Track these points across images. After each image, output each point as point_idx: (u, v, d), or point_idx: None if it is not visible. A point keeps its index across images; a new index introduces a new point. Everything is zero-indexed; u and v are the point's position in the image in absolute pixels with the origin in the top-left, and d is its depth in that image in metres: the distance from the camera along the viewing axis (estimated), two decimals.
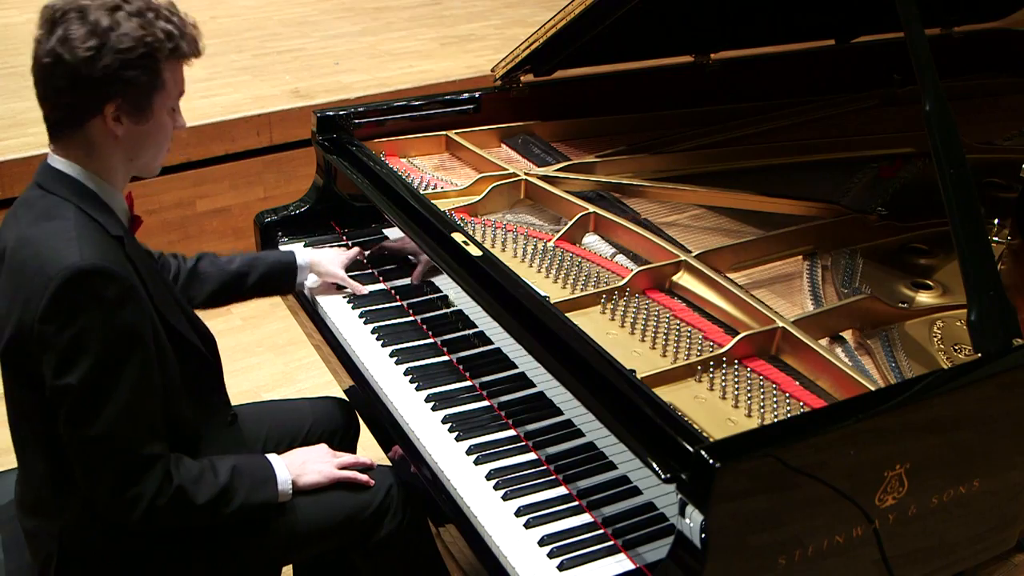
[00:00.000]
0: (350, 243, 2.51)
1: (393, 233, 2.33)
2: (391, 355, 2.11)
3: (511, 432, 1.87)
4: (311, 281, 2.33)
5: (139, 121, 1.61)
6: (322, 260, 2.29)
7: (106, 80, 1.54)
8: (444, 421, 1.90)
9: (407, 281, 2.28)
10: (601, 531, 1.64)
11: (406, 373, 2.04)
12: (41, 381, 1.56)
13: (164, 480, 1.62)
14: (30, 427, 1.66)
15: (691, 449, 1.40)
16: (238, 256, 2.21)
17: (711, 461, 1.35)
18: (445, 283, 2.09)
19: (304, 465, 1.83)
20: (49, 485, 1.68)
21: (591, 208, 2.26)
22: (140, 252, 1.70)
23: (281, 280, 2.26)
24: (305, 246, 2.51)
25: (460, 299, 2.03)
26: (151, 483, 1.60)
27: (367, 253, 2.40)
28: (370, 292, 2.32)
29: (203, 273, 2.13)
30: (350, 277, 2.32)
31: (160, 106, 1.62)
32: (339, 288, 2.33)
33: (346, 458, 1.90)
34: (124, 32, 1.53)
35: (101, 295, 1.52)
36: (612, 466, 1.64)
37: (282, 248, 2.51)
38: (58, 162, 1.63)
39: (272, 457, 1.82)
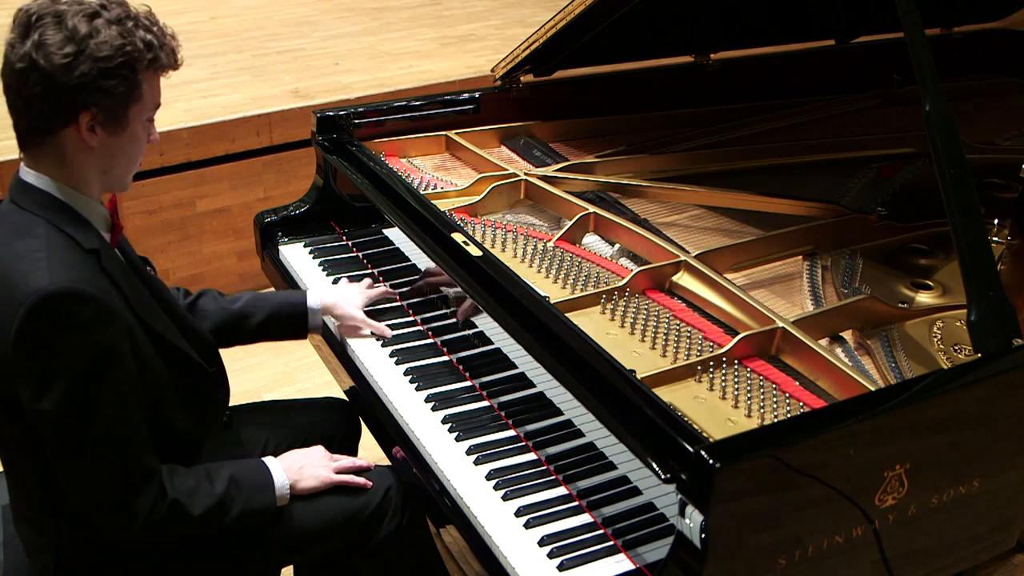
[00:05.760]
0: (377, 272, 2.39)
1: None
2: (391, 355, 2.10)
3: (511, 432, 1.87)
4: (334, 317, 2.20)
5: (114, 132, 1.55)
6: (338, 302, 2.16)
7: (82, 88, 1.48)
8: (444, 421, 1.90)
9: (405, 280, 2.28)
10: (601, 531, 1.64)
11: (406, 373, 2.04)
12: (20, 405, 1.52)
13: (158, 495, 1.60)
14: (17, 449, 1.62)
15: (691, 449, 1.40)
16: (243, 295, 2.11)
17: (711, 461, 1.35)
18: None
19: (302, 470, 1.82)
20: (41, 503, 1.65)
21: (591, 208, 2.26)
22: (119, 263, 1.64)
23: (290, 322, 2.13)
24: (305, 246, 2.51)
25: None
26: (145, 500, 1.58)
27: (399, 290, 2.27)
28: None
29: (202, 310, 2.03)
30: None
31: (136, 118, 1.57)
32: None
33: (343, 461, 1.89)
34: (103, 40, 1.48)
35: (74, 318, 1.47)
36: (612, 466, 1.64)
37: (283, 247, 2.51)
38: (29, 175, 1.57)
39: (269, 461, 1.80)
